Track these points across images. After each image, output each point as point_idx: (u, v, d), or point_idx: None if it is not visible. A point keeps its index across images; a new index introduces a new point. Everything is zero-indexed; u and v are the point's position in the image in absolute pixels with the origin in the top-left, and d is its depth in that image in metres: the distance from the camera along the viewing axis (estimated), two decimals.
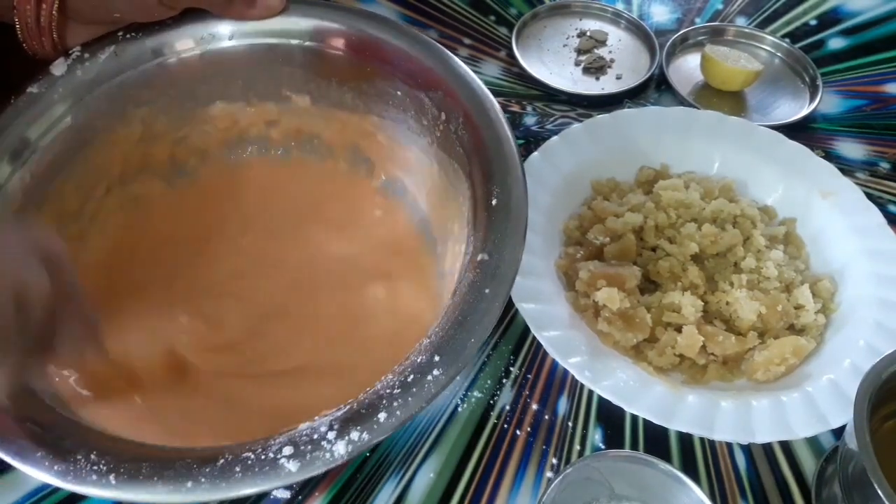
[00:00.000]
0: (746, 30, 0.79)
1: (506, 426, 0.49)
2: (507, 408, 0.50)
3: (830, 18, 0.82)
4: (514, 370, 0.52)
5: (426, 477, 0.47)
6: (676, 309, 0.51)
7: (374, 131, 0.56)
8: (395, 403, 0.37)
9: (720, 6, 0.83)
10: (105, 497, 0.36)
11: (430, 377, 0.38)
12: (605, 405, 0.48)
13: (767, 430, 0.46)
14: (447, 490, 0.46)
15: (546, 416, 0.50)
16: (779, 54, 0.78)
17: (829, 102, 0.73)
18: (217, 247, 0.54)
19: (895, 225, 0.56)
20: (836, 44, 0.79)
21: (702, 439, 0.45)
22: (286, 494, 0.45)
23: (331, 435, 0.36)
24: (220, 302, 0.52)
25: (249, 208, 0.56)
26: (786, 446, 0.49)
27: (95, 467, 0.36)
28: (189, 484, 0.35)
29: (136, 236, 0.54)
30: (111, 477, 0.36)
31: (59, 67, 0.50)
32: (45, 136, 0.49)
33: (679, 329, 0.51)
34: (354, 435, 0.36)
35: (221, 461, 0.36)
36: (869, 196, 0.58)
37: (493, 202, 0.44)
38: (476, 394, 0.51)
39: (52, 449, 0.36)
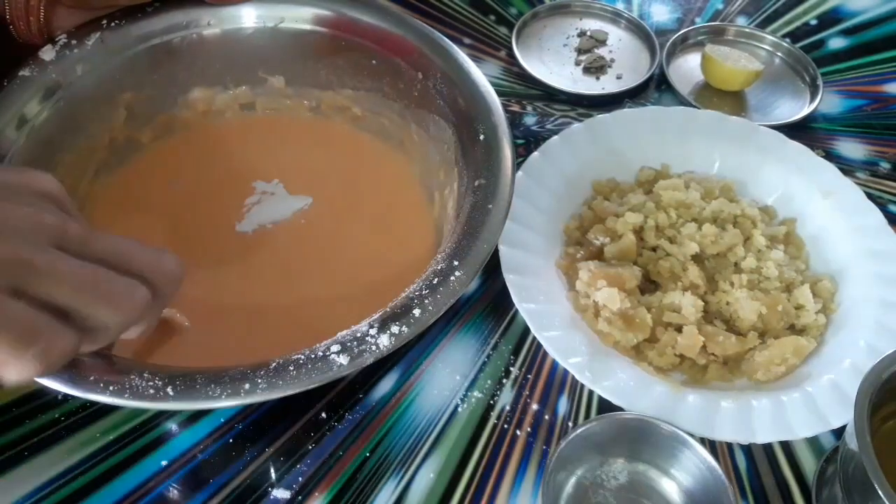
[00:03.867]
0: (747, 29, 0.79)
1: (506, 426, 0.49)
2: (507, 408, 0.50)
3: (831, 18, 0.82)
4: (514, 370, 0.52)
5: (426, 477, 0.47)
6: (677, 309, 0.51)
7: (349, 105, 0.60)
8: (426, 301, 0.41)
9: (720, 6, 0.83)
10: (165, 409, 0.37)
11: (452, 278, 0.42)
12: (605, 405, 0.48)
13: (768, 430, 0.46)
14: (447, 490, 0.46)
15: (546, 416, 0.50)
16: (779, 54, 0.77)
17: (829, 102, 0.73)
18: (216, 206, 0.56)
19: (895, 225, 0.56)
20: (836, 44, 0.79)
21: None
22: (286, 494, 0.45)
23: (373, 331, 0.39)
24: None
25: (244, 166, 0.59)
26: (786, 446, 0.49)
27: (151, 383, 0.37)
28: (247, 386, 0.37)
29: (129, 211, 0.55)
30: (168, 389, 0.37)
31: (48, 53, 0.52)
32: (38, 116, 0.50)
33: (679, 329, 0.51)
34: (395, 329, 0.39)
35: (273, 364, 0.38)
36: (869, 196, 0.58)
37: (481, 137, 0.50)
38: (476, 394, 0.51)
39: (104, 373, 0.37)
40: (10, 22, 0.50)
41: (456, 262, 0.42)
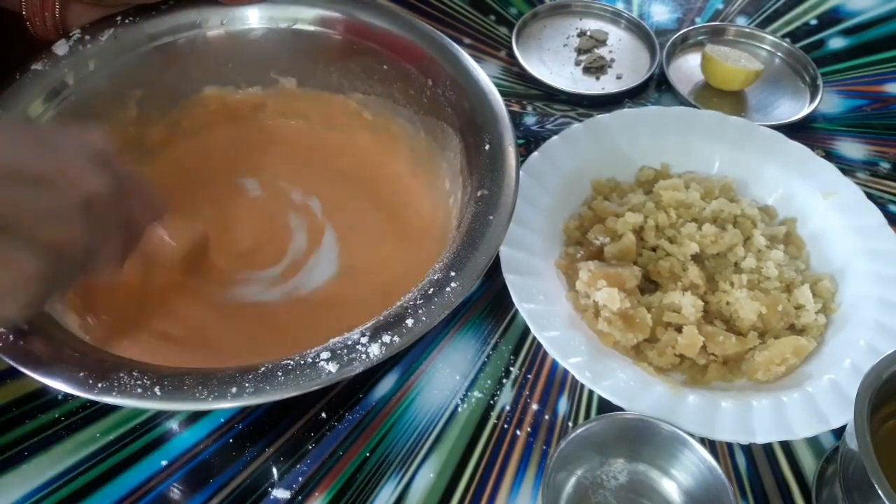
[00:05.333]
0: (747, 29, 0.79)
1: (506, 426, 0.49)
2: (507, 408, 0.50)
3: (830, 18, 0.82)
4: (514, 370, 0.52)
5: (426, 477, 0.47)
6: (677, 309, 0.51)
7: (359, 109, 0.60)
8: (420, 311, 0.40)
9: (720, 6, 0.83)
10: (151, 408, 0.37)
11: (448, 289, 0.41)
12: (605, 405, 0.48)
13: (768, 430, 0.46)
14: (447, 490, 0.46)
15: (546, 416, 0.50)
16: (779, 54, 0.77)
17: (829, 102, 0.73)
18: (228, 203, 0.56)
19: (895, 225, 0.56)
20: (836, 44, 0.79)
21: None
22: (286, 495, 0.45)
23: (364, 340, 0.39)
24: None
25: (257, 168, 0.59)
26: (786, 446, 0.49)
27: (139, 382, 0.37)
28: (234, 389, 0.37)
29: None
30: (156, 389, 0.37)
31: (61, 48, 0.52)
32: (47, 111, 0.51)
33: (679, 329, 0.51)
34: (386, 338, 0.39)
35: (262, 369, 0.38)
36: (869, 196, 0.58)
37: (486, 147, 0.49)
38: (476, 394, 0.51)
39: (94, 370, 0.38)
40: (27, 18, 0.50)
41: (453, 273, 0.42)
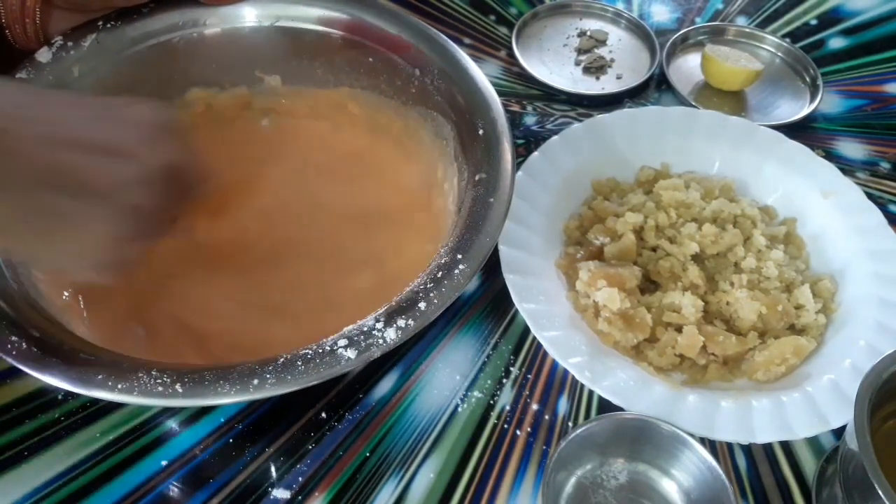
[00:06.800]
0: (747, 29, 0.79)
1: (506, 426, 0.49)
2: (507, 408, 0.50)
3: (831, 18, 0.82)
4: (514, 370, 0.52)
5: (426, 477, 0.47)
6: (677, 309, 0.51)
7: (346, 103, 0.60)
8: (431, 294, 0.41)
9: (720, 6, 0.83)
10: (175, 406, 0.38)
11: (457, 271, 0.42)
12: (605, 405, 0.48)
13: (768, 430, 0.46)
14: (447, 490, 0.46)
15: (546, 416, 0.50)
16: (779, 54, 0.77)
17: (829, 102, 0.73)
18: (224, 209, 0.56)
19: (895, 225, 0.56)
20: (836, 43, 0.79)
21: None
22: (286, 495, 0.45)
23: (379, 325, 0.39)
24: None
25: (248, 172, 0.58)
26: (786, 446, 0.49)
27: (159, 380, 0.37)
28: (255, 381, 0.37)
29: None
30: (177, 387, 0.37)
31: (44, 55, 0.52)
32: None
33: (679, 329, 0.51)
34: (401, 322, 0.39)
35: (281, 360, 0.38)
36: (869, 196, 0.58)
37: (481, 132, 0.50)
38: (476, 394, 0.51)
39: (112, 371, 0.37)
40: (6, 26, 0.49)
41: (459, 256, 0.43)
